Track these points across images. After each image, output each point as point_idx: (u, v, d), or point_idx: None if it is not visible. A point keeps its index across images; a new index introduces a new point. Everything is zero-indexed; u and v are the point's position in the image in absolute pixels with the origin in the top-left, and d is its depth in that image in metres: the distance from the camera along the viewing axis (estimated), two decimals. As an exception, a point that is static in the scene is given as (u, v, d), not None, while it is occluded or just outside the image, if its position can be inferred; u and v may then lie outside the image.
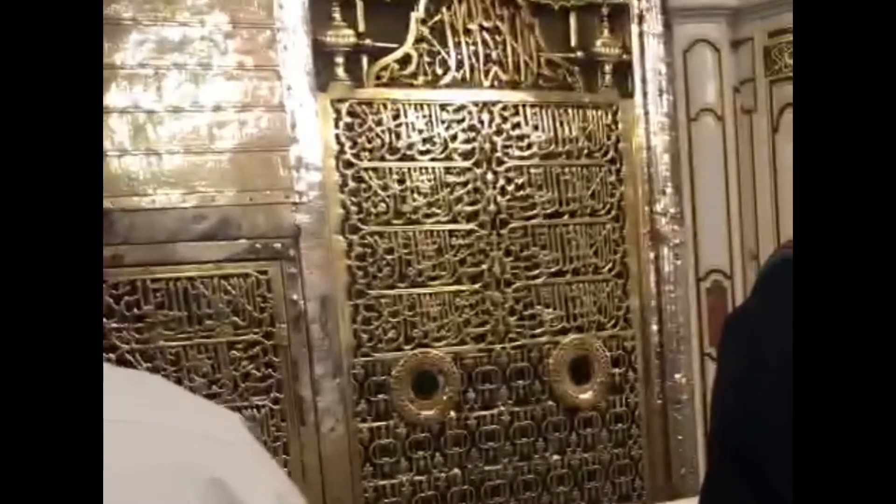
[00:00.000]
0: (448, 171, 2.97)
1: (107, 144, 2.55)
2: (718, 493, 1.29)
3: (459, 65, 3.00)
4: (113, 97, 2.56)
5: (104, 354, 2.49)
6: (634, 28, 3.21)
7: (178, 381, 2.62)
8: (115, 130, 2.56)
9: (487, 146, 3.01)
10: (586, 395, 3.18)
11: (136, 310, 2.59)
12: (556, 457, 3.15)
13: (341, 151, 2.83)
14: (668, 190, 3.25)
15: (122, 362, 2.56)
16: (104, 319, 2.54)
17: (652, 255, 3.24)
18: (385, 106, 2.89)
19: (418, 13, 2.95)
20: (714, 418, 1.34)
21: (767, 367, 1.13)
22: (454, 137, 2.98)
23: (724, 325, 1.29)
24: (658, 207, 3.23)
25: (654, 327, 3.26)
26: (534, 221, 3.08)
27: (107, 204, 2.53)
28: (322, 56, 2.82)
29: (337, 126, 2.83)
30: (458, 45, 3.00)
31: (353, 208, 2.85)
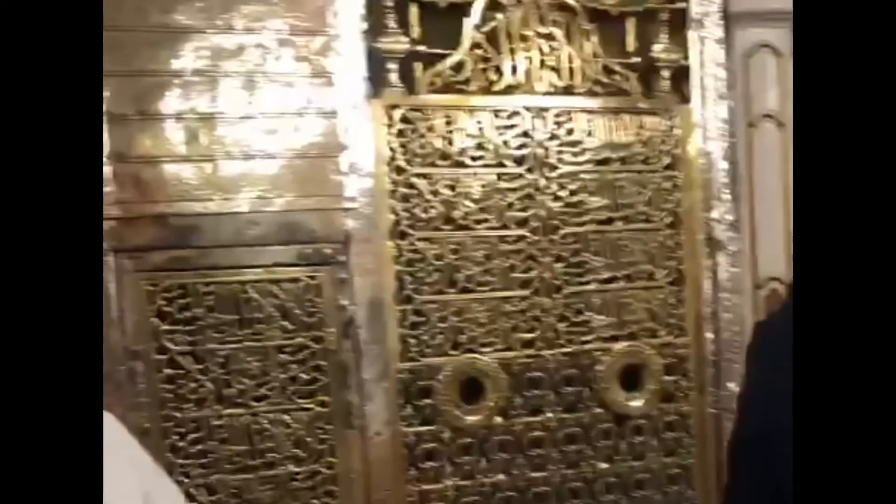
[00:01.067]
0: (500, 176, 2.97)
1: (161, 150, 2.61)
2: (738, 497, 1.29)
3: (514, 71, 2.99)
4: (168, 103, 2.62)
5: (155, 357, 2.56)
6: (693, 33, 3.16)
7: (227, 384, 2.68)
8: (170, 137, 2.62)
9: (540, 152, 3.00)
10: (637, 403, 3.16)
11: (187, 312, 2.64)
12: (604, 465, 3.13)
13: (393, 158, 2.85)
14: (726, 196, 3.20)
15: (172, 364, 2.63)
16: (156, 321, 2.61)
17: (708, 262, 3.20)
18: (437, 112, 2.90)
19: (473, 19, 2.95)
20: (735, 422, 1.34)
21: (787, 373, 1.13)
22: (506, 143, 2.97)
23: (753, 330, 1.28)
24: (715, 214, 3.19)
25: (710, 335, 3.22)
26: (586, 227, 3.07)
27: (161, 209, 2.60)
28: (376, 63, 2.84)
29: (389, 132, 2.85)
30: (512, 51, 2.99)
31: (404, 214, 2.87)
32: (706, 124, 3.18)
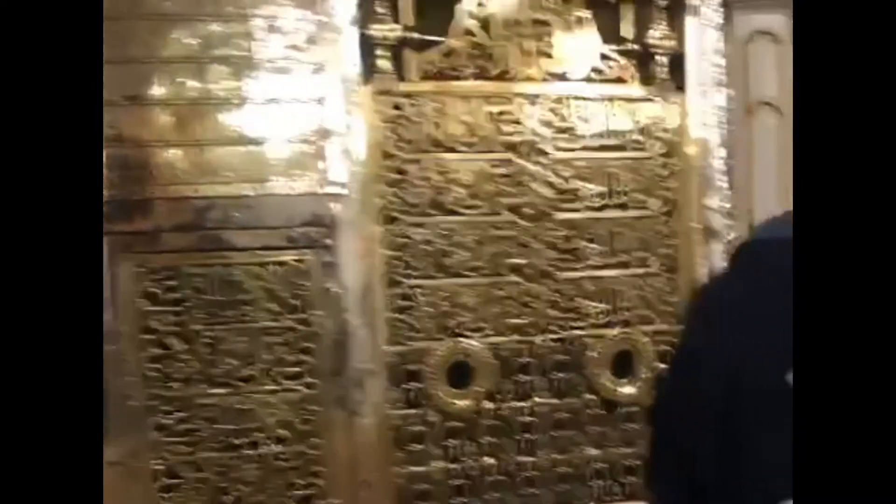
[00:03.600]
0: (491, 163, 2.98)
1: (152, 136, 2.66)
2: (659, 458, 1.30)
3: (507, 57, 3.00)
4: (158, 89, 2.66)
5: (143, 337, 2.61)
6: (692, 20, 3.14)
7: (214, 364, 2.73)
8: (160, 122, 2.66)
9: (534, 138, 3.01)
10: (629, 390, 3.16)
11: (174, 294, 2.70)
12: (594, 451, 3.15)
13: (382, 143, 2.88)
14: (722, 184, 3.19)
15: (160, 345, 2.69)
16: (144, 302, 2.67)
17: (704, 250, 3.19)
18: (428, 98, 2.92)
19: (466, 6, 2.96)
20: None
21: (709, 342, 1.14)
22: (499, 130, 2.98)
23: (691, 296, 1.30)
24: (711, 202, 3.18)
25: (705, 323, 3.20)
26: (579, 214, 3.07)
27: (151, 192, 2.65)
28: (367, 49, 2.86)
29: (379, 119, 2.87)
30: (506, 37, 2.99)
31: (393, 199, 2.89)
32: (703, 112, 3.17)
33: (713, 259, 3.18)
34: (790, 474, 0.96)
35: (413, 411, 2.96)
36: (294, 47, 2.76)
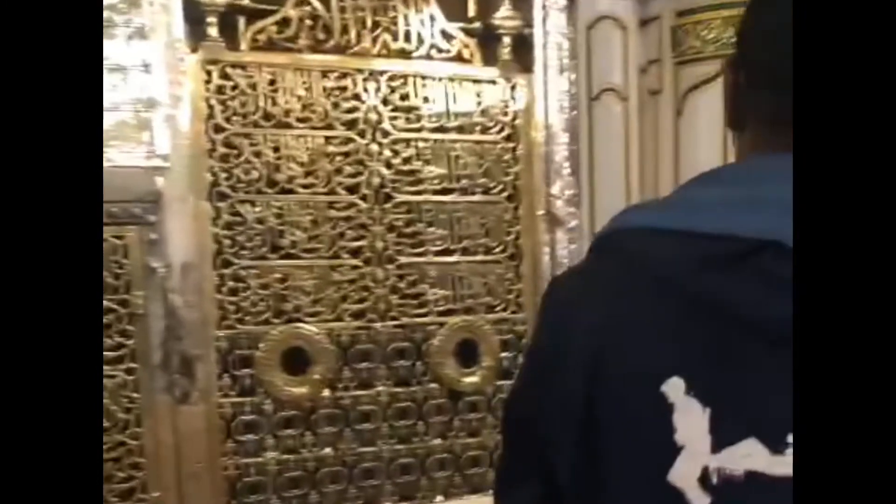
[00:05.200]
0: (328, 140, 2.86)
1: (-47, 97, 2.44)
2: (510, 465, 1.20)
3: (345, 30, 2.89)
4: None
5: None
6: (537, 1, 3.09)
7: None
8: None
9: (373, 116, 2.90)
10: (472, 379, 3.08)
11: (-21, 271, 2.48)
12: (437, 441, 3.05)
13: (211, 115, 2.73)
14: (566, 171, 3.14)
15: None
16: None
17: (547, 237, 3.14)
18: (261, 70, 2.79)
19: (301, -27, 2.85)
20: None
21: (564, 336, 1.04)
22: (336, 106, 2.87)
23: (547, 287, 1.21)
24: (555, 189, 3.13)
25: (549, 312, 3.15)
26: (421, 197, 2.98)
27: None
28: (194, 15, 2.71)
29: (207, 89, 2.72)
30: (343, 9, 2.89)
31: (222, 175, 2.74)
32: (548, 95, 3.12)
33: (556, 247, 3.13)
34: (656, 488, 0.89)
35: (245, 399, 2.80)
36: (113, 8, 2.58)
